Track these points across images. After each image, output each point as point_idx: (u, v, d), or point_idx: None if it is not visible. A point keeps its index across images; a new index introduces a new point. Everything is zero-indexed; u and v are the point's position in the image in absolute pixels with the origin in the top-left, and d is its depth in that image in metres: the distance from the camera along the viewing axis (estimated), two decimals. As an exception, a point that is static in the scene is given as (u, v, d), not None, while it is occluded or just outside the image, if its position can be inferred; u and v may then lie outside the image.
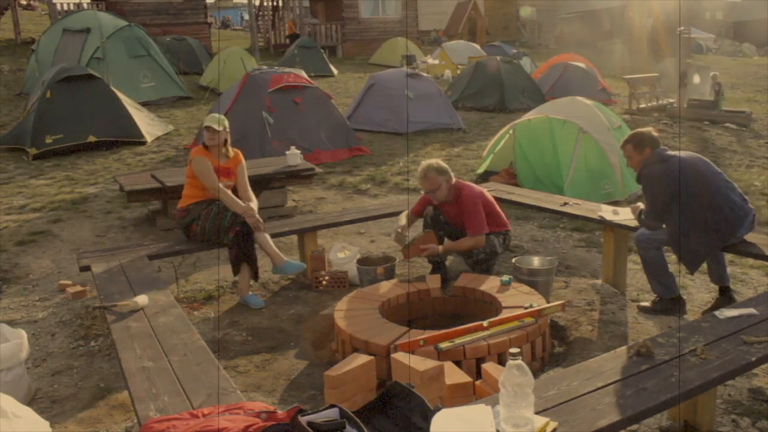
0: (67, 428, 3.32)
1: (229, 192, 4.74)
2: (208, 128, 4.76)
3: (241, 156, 5.00)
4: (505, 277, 4.31)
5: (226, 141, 4.85)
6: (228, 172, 4.85)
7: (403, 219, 4.99)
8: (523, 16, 35.49)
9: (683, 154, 4.25)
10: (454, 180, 4.81)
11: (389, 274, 4.90)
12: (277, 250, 4.75)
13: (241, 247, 4.65)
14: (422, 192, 4.98)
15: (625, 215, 4.86)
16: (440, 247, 4.80)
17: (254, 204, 4.80)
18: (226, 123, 4.84)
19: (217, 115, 4.88)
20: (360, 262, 5.09)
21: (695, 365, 2.78)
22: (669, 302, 4.37)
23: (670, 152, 4.24)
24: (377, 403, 2.32)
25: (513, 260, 4.92)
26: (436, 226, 4.95)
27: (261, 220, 4.69)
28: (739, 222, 4.16)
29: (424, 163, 4.82)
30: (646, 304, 4.47)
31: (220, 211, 4.66)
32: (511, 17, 36.64)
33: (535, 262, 4.91)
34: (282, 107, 9.36)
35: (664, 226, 4.26)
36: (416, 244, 4.74)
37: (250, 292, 4.88)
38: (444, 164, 4.80)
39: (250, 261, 4.72)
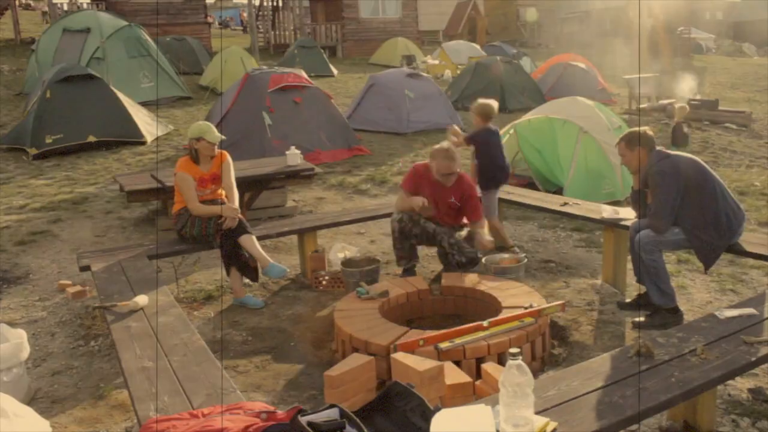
0: (67, 428, 3.32)
1: (204, 208, 4.68)
2: (201, 139, 4.70)
3: (225, 155, 4.90)
4: (361, 289, 4.25)
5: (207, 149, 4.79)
6: (215, 177, 4.83)
7: (417, 199, 4.79)
8: (528, 20, 35.43)
9: (681, 154, 4.29)
10: None
11: (373, 276, 4.86)
12: (262, 253, 4.67)
13: (228, 251, 4.66)
14: (441, 172, 4.74)
15: (625, 215, 4.86)
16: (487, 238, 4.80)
17: (235, 203, 4.75)
18: (201, 132, 4.74)
19: (203, 124, 4.85)
20: (345, 264, 5.04)
21: (695, 365, 2.78)
22: (666, 314, 4.27)
23: (669, 151, 4.27)
24: (377, 403, 2.32)
25: (483, 259, 4.94)
26: (406, 237, 4.87)
27: (234, 218, 4.60)
28: (740, 220, 4.18)
29: (447, 144, 4.79)
30: (641, 318, 4.33)
31: (205, 218, 4.67)
32: (511, 17, 36.61)
33: (505, 260, 5.03)
34: (282, 107, 9.36)
35: (677, 230, 4.22)
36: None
37: (247, 294, 4.88)
38: None
39: (238, 265, 4.72)
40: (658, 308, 4.29)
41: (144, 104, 12.39)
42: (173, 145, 10.36)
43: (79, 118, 9.89)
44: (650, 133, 4.29)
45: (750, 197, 7.52)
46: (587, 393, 2.55)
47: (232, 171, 4.91)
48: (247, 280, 4.87)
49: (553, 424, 2.29)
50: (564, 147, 7.38)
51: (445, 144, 4.80)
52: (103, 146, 10.06)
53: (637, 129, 4.34)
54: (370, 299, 4.14)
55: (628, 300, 4.65)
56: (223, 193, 4.90)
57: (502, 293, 4.13)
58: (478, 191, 5.34)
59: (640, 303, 4.48)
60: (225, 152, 4.92)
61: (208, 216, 4.65)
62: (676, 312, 4.29)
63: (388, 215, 5.69)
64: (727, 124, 12.88)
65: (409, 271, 4.98)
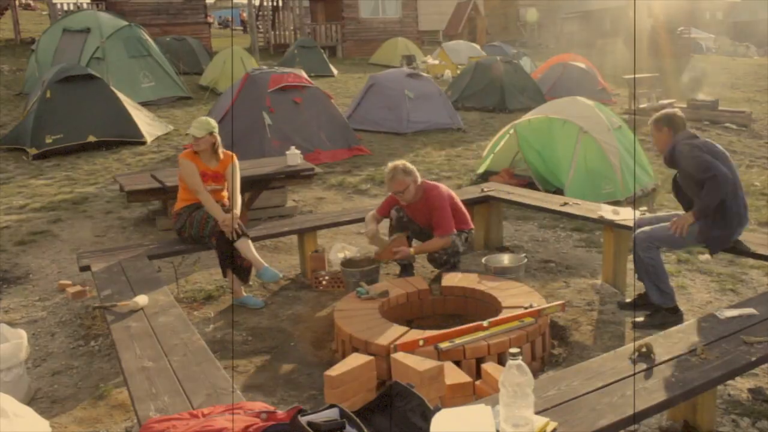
0: (67, 428, 3.32)
1: (211, 198, 4.68)
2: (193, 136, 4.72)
3: (233, 158, 4.86)
4: (361, 289, 4.24)
5: (215, 144, 4.78)
6: (216, 176, 4.82)
7: (371, 222, 4.95)
8: (528, 20, 35.45)
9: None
10: (420, 180, 4.82)
11: (373, 276, 4.88)
12: (257, 257, 4.65)
13: (223, 253, 4.65)
14: (389, 192, 4.96)
15: (625, 215, 4.86)
16: (411, 250, 4.81)
17: (237, 209, 4.71)
18: (214, 127, 4.74)
19: (204, 118, 4.84)
20: (345, 264, 5.05)
21: (695, 365, 2.78)
22: (666, 314, 4.25)
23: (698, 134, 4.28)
24: (377, 403, 2.32)
25: (483, 259, 4.97)
26: (401, 228, 4.93)
27: (236, 230, 4.56)
28: (746, 216, 4.19)
29: (391, 164, 4.79)
30: (641, 319, 4.31)
31: (203, 219, 4.65)
32: (511, 17, 36.63)
33: (505, 260, 5.04)
34: (282, 107, 9.36)
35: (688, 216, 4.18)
36: (388, 248, 4.80)
37: (246, 294, 4.88)
38: (410, 165, 4.78)
39: (233, 267, 4.72)
40: (658, 308, 4.28)
41: (144, 104, 12.39)
42: (173, 145, 10.36)
43: (79, 118, 9.89)
44: (680, 114, 4.28)
45: (750, 197, 7.52)
46: (587, 393, 2.55)
47: (238, 175, 4.85)
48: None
49: (553, 424, 2.29)
50: (564, 147, 7.37)
51: (392, 164, 4.78)
52: (103, 146, 10.06)
53: (668, 110, 4.35)
54: (370, 299, 4.14)
55: (628, 300, 4.65)
56: (226, 195, 4.89)
57: (502, 293, 4.13)
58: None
59: (637, 303, 4.48)
60: (233, 154, 4.90)
61: (208, 212, 4.64)
62: (675, 312, 4.29)
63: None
64: (727, 124, 12.87)
65: (406, 268, 5.00)
